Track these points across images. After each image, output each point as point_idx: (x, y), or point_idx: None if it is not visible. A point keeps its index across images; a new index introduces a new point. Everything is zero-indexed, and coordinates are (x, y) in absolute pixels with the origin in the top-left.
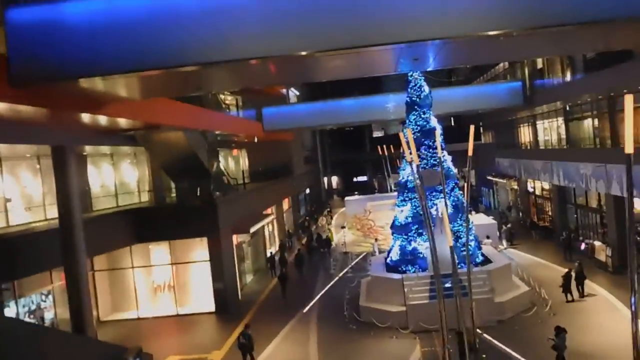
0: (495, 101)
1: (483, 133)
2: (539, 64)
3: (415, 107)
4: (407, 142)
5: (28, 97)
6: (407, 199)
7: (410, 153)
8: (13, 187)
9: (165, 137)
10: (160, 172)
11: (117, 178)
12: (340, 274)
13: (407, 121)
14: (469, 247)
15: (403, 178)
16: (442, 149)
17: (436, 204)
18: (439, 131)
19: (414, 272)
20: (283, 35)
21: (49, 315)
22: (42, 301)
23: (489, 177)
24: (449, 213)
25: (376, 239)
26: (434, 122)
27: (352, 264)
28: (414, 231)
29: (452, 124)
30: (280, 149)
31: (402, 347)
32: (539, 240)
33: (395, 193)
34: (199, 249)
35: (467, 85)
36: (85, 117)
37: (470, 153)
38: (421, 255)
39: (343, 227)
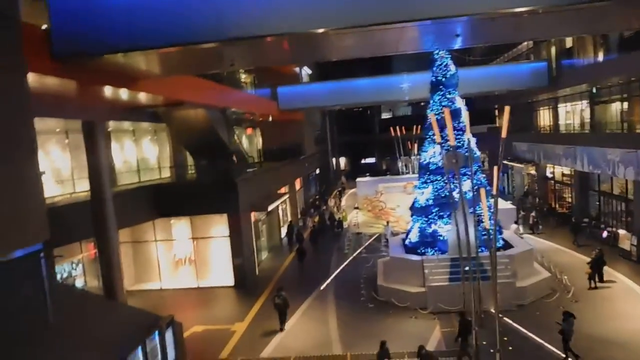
0: (518, 82)
1: (498, 115)
2: (568, 43)
3: (441, 86)
4: (440, 123)
5: (65, 71)
6: (428, 181)
7: (435, 134)
8: (44, 161)
9: (187, 114)
10: (180, 149)
11: (138, 154)
12: (354, 254)
13: (432, 101)
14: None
15: (425, 160)
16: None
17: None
18: (465, 112)
19: (433, 254)
20: (314, 11)
21: (79, 283)
22: (72, 269)
23: (505, 162)
24: (472, 196)
25: (388, 222)
26: (459, 102)
27: (366, 244)
28: (434, 213)
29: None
30: (292, 128)
31: (422, 327)
32: (556, 226)
33: (407, 175)
34: (218, 225)
35: (486, 65)
36: (116, 93)
37: (504, 135)
38: (441, 238)
39: (357, 208)
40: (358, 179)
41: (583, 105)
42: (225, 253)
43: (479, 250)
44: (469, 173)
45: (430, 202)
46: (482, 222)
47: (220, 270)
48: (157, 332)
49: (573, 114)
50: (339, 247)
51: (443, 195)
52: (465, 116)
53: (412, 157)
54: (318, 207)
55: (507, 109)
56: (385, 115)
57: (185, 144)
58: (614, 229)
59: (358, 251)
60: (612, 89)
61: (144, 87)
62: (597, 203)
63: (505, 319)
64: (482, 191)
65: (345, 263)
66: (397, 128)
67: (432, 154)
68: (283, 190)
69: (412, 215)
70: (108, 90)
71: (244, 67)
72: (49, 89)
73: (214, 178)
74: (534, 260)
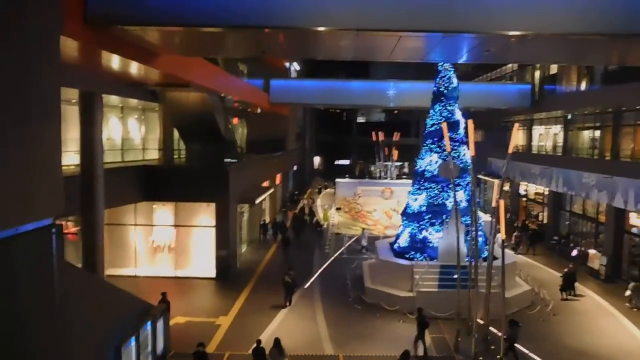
0: (503, 101)
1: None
2: (553, 70)
3: (442, 97)
4: (439, 132)
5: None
6: (422, 187)
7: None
8: None
9: (188, 96)
10: (171, 132)
11: (123, 133)
12: (336, 254)
13: (432, 111)
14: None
15: (420, 167)
16: (464, 143)
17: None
18: (463, 124)
19: (422, 260)
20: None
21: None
22: None
23: (479, 176)
24: (463, 207)
25: (363, 229)
26: (458, 114)
27: (347, 245)
28: (426, 220)
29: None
30: (277, 122)
31: (410, 331)
32: (527, 242)
33: (385, 180)
34: (203, 214)
35: (473, 82)
36: (125, 65)
37: (510, 151)
38: (431, 245)
39: (338, 209)
40: (337, 180)
41: (557, 129)
42: (208, 243)
43: (466, 259)
44: (463, 184)
45: (423, 208)
46: (471, 232)
47: (201, 261)
48: (149, 322)
49: (547, 136)
50: (319, 245)
51: (436, 203)
52: (464, 127)
53: (390, 163)
54: (297, 202)
55: (470, 122)
56: (361, 119)
57: (179, 126)
58: (582, 249)
59: (339, 251)
60: (587, 116)
61: (158, 64)
62: (567, 222)
63: (491, 328)
64: (502, 203)
65: (328, 262)
66: (377, 133)
67: (429, 162)
68: (265, 183)
69: (403, 220)
70: (117, 62)
71: (272, 55)
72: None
73: (206, 164)
74: (515, 273)
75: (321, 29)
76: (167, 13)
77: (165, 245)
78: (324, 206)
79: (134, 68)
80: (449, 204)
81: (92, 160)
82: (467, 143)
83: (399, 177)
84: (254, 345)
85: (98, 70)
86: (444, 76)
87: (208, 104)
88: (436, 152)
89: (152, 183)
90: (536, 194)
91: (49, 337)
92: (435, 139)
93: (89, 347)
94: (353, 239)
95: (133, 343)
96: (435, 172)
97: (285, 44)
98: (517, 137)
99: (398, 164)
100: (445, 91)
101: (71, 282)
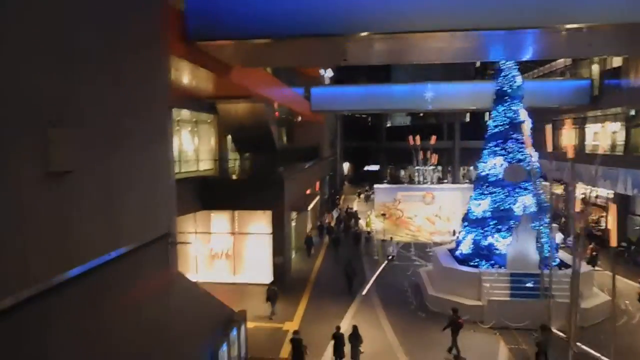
0: (559, 98)
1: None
2: (615, 63)
3: (506, 97)
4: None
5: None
6: (486, 192)
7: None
8: None
9: (245, 107)
10: (225, 142)
11: (178, 145)
12: (386, 261)
13: (494, 112)
14: (547, 248)
15: (483, 171)
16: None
17: (518, 201)
18: (528, 124)
19: (487, 267)
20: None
21: None
22: None
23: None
24: (532, 212)
25: (391, 238)
26: (523, 115)
27: (395, 251)
28: (492, 226)
29: (468, 119)
30: (313, 130)
31: (484, 342)
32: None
33: (425, 185)
34: (258, 222)
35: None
36: (195, 79)
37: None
38: (498, 252)
39: (383, 215)
40: (376, 185)
41: (615, 126)
42: (263, 250)
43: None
44: (530, 187)
45: (488, 214)
46: (542, 238)
47: (257, 268)
48: (235, 328)
49: (604, 134)
50: (367, 252)
51: (502, 208)
52: (531, 128)
53: (429, 167)
54: (336, 206)
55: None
56: (392, 123)
57: (234, 137)
58: None
59: (390, 257)
60: None
61: (232, 76)
62: (638, 228)
63: (579, 343)
64: (582, 207)
65: (380, 269)
66: (414, 137)
67: (492, 165)
68: (308, 191)
69: (464, 226)
70: (189, 76)
71: (352, 63)
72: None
73: (261, 174)
74: (593, 283)
75: (417, 32)
76: (260, 26)
77: (223, 252)
78: (366, 212)
79: (206, 81)
80: (516, 209)
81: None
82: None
83: (439, 181)
84: (334, 330)
85: (176, 83)
86: (507, 75)
87: (262, 114)
88: (500, 155)
89: (211, 193)
90: (597, 196)
91: (163, 343)
92: (500, 141)
93: (192, 352)
94: (400, 245)
95: (225, 348)
96: (500, 176)
97: (372, 50)
98: (568, 137)
99: (426, 167)
100: (509, 90)
101: (182, 290)
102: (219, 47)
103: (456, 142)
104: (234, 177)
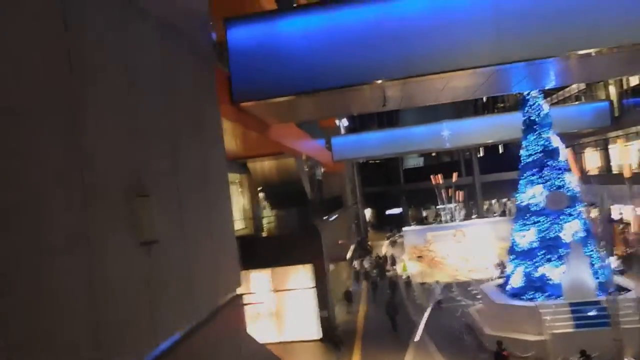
0: (580, 122)
1: None
2: (633, 81)
3: (535, 126)
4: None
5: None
6: (529, 222)
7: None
8: None
9: (278, 163)
10: (257, 200)
11: None
12: (432, 303)
13: (524, 142)
14: (604, 273)
15: (523, 201)
16: (567, 170)
17: (565, 229)
18: (564, 151)
19: (543, 299)
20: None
21: None
22: None
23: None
24: (581, 238)
25: (437, 281)
26: (555, 141)
27: (438, 294)
28: (541, 256)
29: (482, 154)
30: (334, 179)
31: None
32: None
33: (453, 223)
34: (299, 276)
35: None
36: (234, 141)
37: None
38: (551, 282)
39: (420, 257)
40: (405, 228)
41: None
42: (308, 305)
43: (597, 294)
44: (574, 213)
45: (535, 244)
46: (593, 264)
47: (303, 324)
48: None
49: (628, 154)
50: (408, 296)
51: (549, 237)
52: (564, 155)
53: (454, 205)
54: (369, 251)
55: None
56: (406, 165)
57: (267, 193)
58: None
59: (437, 299)
60: None
61: (270, 134)
62: None
63: None
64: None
65: (428, 312)
66: (435, 176)
67: (532, 194)
68: (341, 241)
69: (511, 260)
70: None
71: (392, 107)
72: None
73: (297, 228)
74: None
75: (458, 72)
76: (303, 80)
77: (267, 311)
78: (400, 257)
79: (242, 142)
80: (564, 236)
81: None
82: (569, 170)
83: (466, 217)
84: None
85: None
86: (533, 104)
87: (293, 168)
88: (538, 183)
89: (249, 251)
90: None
91: None
92: (535, 169)
93: None
94: (441, 286)
95: None
96: (542, 204)
97: (412, 93)
98: (591, 159)
99: (452, 205)
100: (537, 119)
101: (252, 352)
102: (263, 105)
103: (476, 176)
104: (271, 233)
